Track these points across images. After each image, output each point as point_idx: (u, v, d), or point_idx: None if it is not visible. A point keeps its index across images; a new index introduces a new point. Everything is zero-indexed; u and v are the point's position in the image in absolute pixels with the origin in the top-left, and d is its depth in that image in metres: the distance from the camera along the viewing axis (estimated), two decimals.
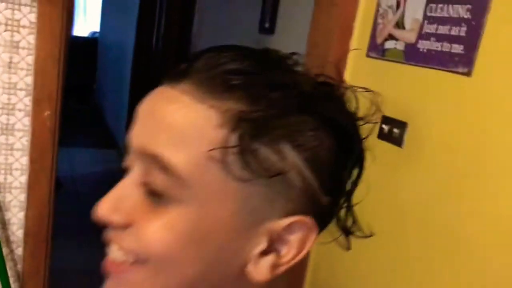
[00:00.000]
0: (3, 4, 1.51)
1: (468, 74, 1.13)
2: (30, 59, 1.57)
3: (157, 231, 0.43)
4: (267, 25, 1.88)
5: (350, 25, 1.40)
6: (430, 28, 1.22)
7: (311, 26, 1.53)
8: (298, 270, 1.59)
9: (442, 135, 1.20)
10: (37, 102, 1.57)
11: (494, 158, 1.09)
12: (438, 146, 1.21)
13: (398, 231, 1.32)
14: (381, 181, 1.36)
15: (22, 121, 1.62)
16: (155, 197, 0.44)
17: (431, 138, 1.23)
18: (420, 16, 1.25)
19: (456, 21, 1.15)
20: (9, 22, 1.53)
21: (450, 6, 1.17)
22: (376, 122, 0.47)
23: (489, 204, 1.09)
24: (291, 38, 1.83)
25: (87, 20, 7.57)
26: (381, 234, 1.36)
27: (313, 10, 1.52)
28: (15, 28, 1.54)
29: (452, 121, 1.18)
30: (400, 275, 1.32)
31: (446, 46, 1.17)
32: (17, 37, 1.54)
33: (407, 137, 1.29)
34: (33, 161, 1.63)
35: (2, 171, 1.65)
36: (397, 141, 1.31)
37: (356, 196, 0.49)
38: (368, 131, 0.49)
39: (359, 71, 1.43)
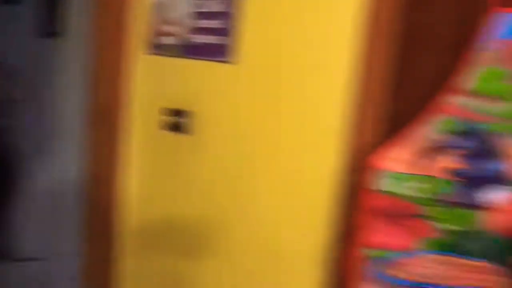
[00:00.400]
0: None
1: (231, 62, 1.25)
2: None
3: None
4: (49, 29, 1.83)
5: (126, 24, 1.44)
6: (198, 23, 1.32)
7: (92, 28, 1.54)
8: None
9: (223, 120, 1.32)
10: None
11: (265, 137, 1.23)
12: (222, 130, 1.32)
13: (197, 213, 1.41)
14: (175, 171, 1.44)
15: None
16: None
17: (216, 124, 1.33)
18: (188, 11, 1.34)
19: (217, 15, 1.27)
20: None
21: (212, 1, 1.28)
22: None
23: (274, 178, 1.23)
24: (79, 42, 1.80)
25: None
26: (181, 217, 1.44)
27: (92, 12, 1.53)
28: None
29: (227, 106, 1.30)
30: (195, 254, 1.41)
31: (212, 39, 1.29)
32: None
33: (194, 125, 1.37)
34: None
35: None
36: (186, 130, 1.39)
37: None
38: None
39: (140, 69, 1.48)
